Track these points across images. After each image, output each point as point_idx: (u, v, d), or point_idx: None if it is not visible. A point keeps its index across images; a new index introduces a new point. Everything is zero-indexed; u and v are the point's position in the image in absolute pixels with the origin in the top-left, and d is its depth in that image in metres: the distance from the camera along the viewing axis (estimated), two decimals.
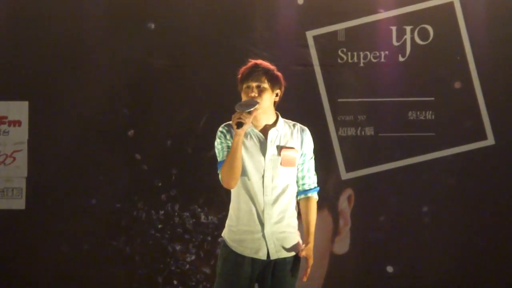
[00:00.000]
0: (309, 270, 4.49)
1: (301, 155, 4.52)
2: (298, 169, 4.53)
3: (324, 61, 6.72)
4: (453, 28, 6.66)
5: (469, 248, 6.63)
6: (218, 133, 4.49)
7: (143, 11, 6.75)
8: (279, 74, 4.53)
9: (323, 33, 6.72)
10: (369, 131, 6.71)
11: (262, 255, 4.45)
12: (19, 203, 6.76)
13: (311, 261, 4.49)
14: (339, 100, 6.72)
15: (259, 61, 4.52)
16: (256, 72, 4.45)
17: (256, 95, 4.43)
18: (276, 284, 4.46)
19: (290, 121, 4.59)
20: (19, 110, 6.79)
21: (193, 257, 6.73)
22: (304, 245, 4.50)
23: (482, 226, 6.62)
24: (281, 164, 4.45)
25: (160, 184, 6.77)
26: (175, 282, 6.73)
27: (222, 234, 4.59)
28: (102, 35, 6.74)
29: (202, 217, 6.71)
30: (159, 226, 6.76)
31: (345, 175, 6.69)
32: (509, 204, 6.61)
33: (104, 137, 6.75)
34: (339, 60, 6.73)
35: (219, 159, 4.49)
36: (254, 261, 4.46)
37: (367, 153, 6.69)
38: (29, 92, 6.76)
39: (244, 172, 4.44)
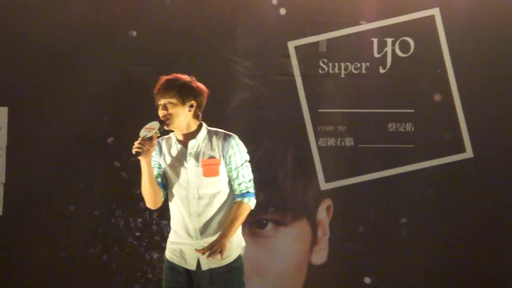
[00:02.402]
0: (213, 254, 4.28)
1: (227, 163, 4.44)
2: (230, 177, 4.46)
3: (305, 72, 6.73)
4: (433, 41, 6.69)
5: (447, 260, 6.64)
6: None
7: (125, 18, 6.74)
8: (193, 85, 4.47)
9: (304, 43, 6.73)
10: (349, 141, 6.72)
11: (192, 266, 4.44)
12: None
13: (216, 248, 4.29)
14: (320, 110, 6.73)
15: (171, 76, 4.47)
16: (163, 89, 4.43)
17: (165, 112, 4.40)
18: None
19: (218, 130, 4.53)
20: None
21: None
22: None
23: (460, 238, 6.64)
24: (203, 174, 4.41)
25: (138, 192, 6.70)
26: None
27: None
28: (84, 42, 6.73)
29: None
30: (137, 234, 6.73)
31: (324, 185, 6.69)
32: (487, 216, 6.63)
33: (84, 144, 6.72)
34: (320, 71, 6.74)
35: None
36: (188, 271, 4.45)
37: (346, 163, 6.70)
38: (8, 98, 6.73)
39: (170, 185, 4.47)
